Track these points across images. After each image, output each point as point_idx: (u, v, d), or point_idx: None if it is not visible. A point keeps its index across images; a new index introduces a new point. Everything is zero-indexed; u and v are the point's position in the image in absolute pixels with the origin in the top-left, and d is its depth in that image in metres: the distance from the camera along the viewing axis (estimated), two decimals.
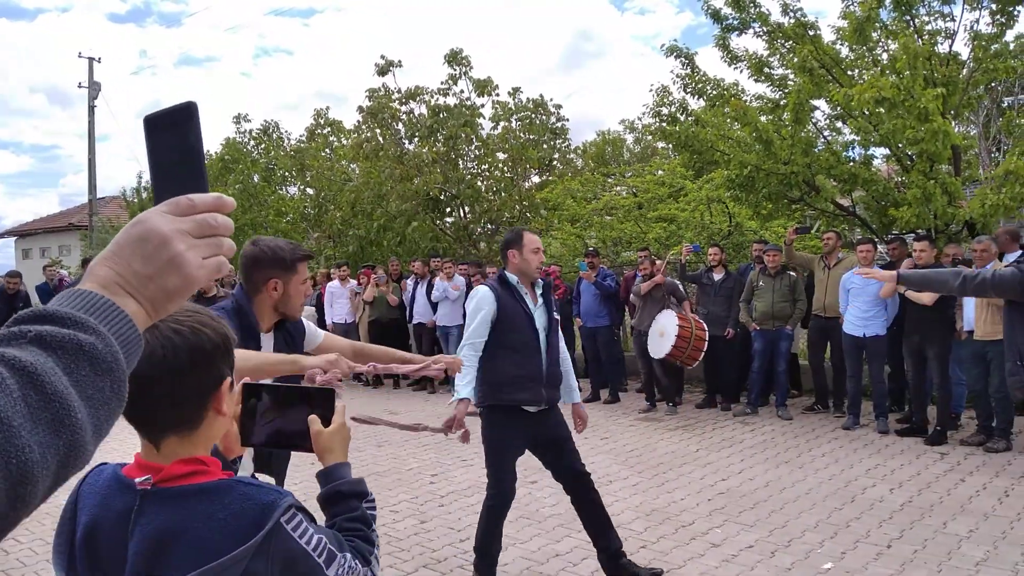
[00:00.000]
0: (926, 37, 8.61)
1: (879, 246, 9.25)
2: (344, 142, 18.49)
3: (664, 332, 8.05)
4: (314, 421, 1.45)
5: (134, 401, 0.76)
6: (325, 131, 19.06)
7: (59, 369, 0.63)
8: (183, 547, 1.16)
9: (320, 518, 1.38)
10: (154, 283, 0.74)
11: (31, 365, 0.61)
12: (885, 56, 9.15)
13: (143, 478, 1.19)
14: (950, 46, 8.81)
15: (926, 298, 6.63)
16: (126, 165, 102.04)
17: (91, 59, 25.14)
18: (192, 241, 0.75)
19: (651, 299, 8.42)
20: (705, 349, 8.07)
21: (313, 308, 10.89)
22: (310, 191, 18.26)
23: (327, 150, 18.47)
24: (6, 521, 0.58)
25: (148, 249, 0.73)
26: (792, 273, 8.09)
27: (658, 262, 9.02)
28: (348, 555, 1.30)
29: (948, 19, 8.82)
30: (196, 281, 0.76)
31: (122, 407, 0.69)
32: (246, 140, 20.31)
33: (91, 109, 25.10)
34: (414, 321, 10.61)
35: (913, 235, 7.17)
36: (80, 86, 25.23)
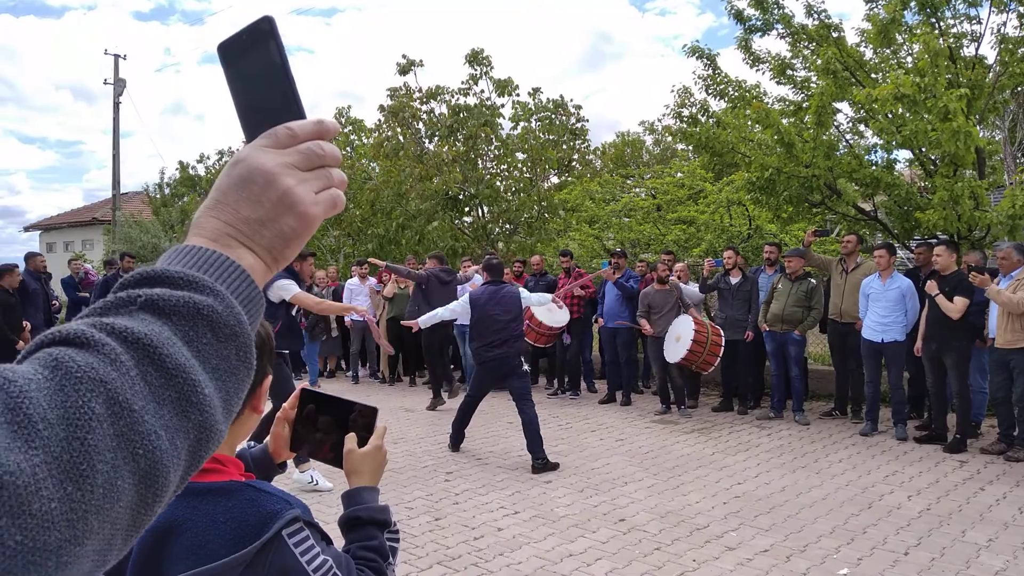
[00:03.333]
0: (951, 40, 8.51)
1: (900, 251, 9.17)
2: (365, 141, 18.56)
3: (680, 337, 8.05)
4: (350, 439, 1.38)
5: None
6: (346, 130, 19.15)
7: (177, 339, 0.55)
8: (182, 543, 1.14)
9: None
10: (268, 228, 0.65)
11: (146, 337, 0.53)
12: (909, 59, 9.06)
13: None
14: (976, 49, 8.71)
15: (955, 311, 6.54)
16: (149, 161, 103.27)
17: (117, 56, 25.40)
18: (301, 175, 0.66)
19: (667, 305, 8.41)
20: (721, 355, 8.05)
21: None
22: None
23: (348, 148, 18.56)
24: (140, 517, 0.51)
25: (255, 190, 0.64)
26: (812, 280, 8.02)
27: (678, 265, 8.99)
28: None
29: (974, 22, 8.71)
30: (314, 219, 0.66)
31: (251, 376, 0.61)
32: None
33: (116, 105, 25.33)
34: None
35: (934, 240, 7.08)
36: (105, 83, 25.44)
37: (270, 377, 1.29)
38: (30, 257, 9.87)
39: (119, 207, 25.55)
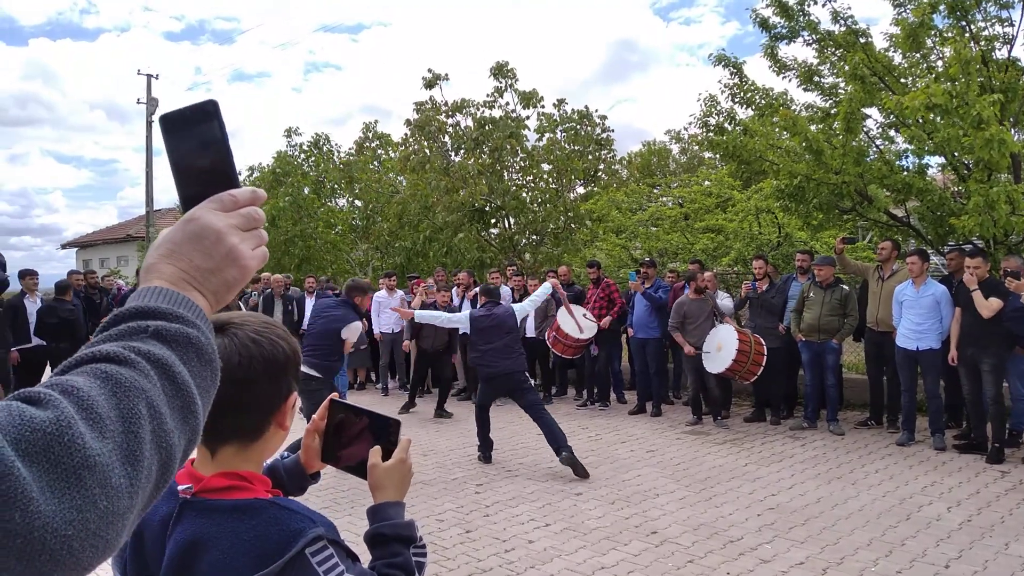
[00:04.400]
0: (983, 43, 8.38)
1: (934, 257, 9.01)
2: (392, 155, 18.73)
3: (723, 346, 7.94)
4: (375, 453, 1.37)
5: None
6: (373, 144, 19.34)
7: (178, 361, 0.68)
8: (208, 561, 1.15)
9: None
10: (216, 276, 0.78)
11: (164, 358, 0.66)
12: (940, 63, 8.93)
13: (186, 486, 1.19)
14: (1009, 51, 8.56)
15: (987, 309, 6.42)
16: None
17: (149, 76, 25.90)
18: (242, 234, 0.80)
19: (703, 315, 8.32)
20: (764, 364, 7.94)
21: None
22: (358, 203, 18.56)
23: (375, 163, 18.73)
24: (151, 499, 0.63)
25: (206, 245, 0.78)
26: (844, 287, 7.90)
27: (706, 275, 8.91)
28: None
29: (1006, 24, 8.57)
30: (251, 271, 0.81)
31: (214, 392, 0.74)
32: (296, 153, 20.71)
33: (149, 124, 25.81)
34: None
35: (970, 247, 6.94)
36: (139, 102, 25.96)
37: (295, 394, 1.30)
38: (68, 275, 10.84)
39: (153, 223, 26.00)
